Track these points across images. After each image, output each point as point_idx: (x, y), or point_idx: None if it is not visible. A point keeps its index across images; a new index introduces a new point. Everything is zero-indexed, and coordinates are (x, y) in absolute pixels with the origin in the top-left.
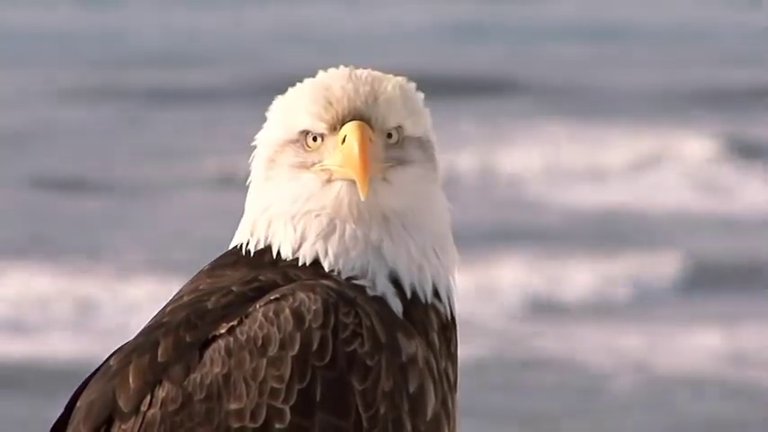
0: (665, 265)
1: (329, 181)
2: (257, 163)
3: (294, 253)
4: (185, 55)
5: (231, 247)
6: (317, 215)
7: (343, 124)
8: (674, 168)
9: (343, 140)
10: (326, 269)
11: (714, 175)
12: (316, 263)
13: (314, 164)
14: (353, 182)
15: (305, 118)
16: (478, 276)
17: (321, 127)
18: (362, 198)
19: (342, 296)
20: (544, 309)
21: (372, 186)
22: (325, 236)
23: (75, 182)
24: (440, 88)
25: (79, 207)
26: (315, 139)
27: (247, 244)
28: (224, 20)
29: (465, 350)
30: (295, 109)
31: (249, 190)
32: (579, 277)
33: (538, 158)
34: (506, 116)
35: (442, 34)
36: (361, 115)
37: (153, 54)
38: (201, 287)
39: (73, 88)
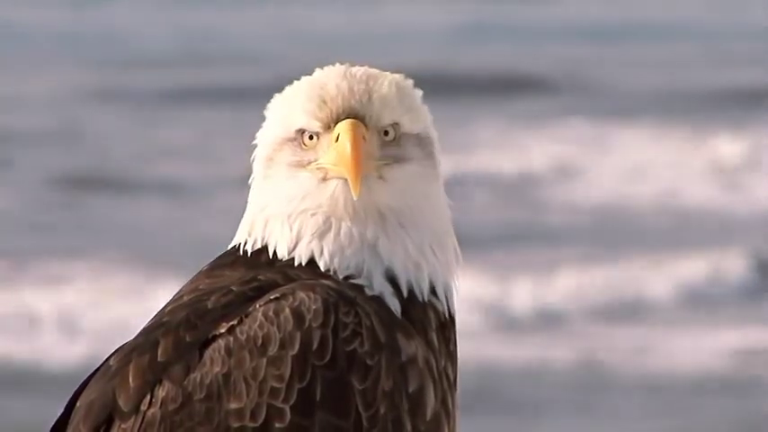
0: (705, 266)
1: (324, 179)
2: (257, 162)
3: (290, 252)
4: (203, 54)
5: (230, 247)
6: (313, 214)
7: (338, 122)
8: (701, 167)
9: (337, 139)
10: (322, 268)
11: (740, 173)
12: (314, 262)
13: (310, 162)
14: (348, 180)
15: (301, 116)
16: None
17: (316, 125)
18: (354, 196)
19: (342, 296)
20: (600, 310)
21: (367, 184)
22: (321, 235)
23: (98, 181)
24: (455, 87)
25: (101, 206)
26: (311, 137)
27: (245, 244)
28: (235, 19)
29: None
30: (291, 107)
31: (251, 189)
32: (627, 277)
33: (556, 157)
34: (525, 115)
35: (455, 34)
36: (355, 113)
37: (169, 53)
38: (201, 287)
39: (90, 88)
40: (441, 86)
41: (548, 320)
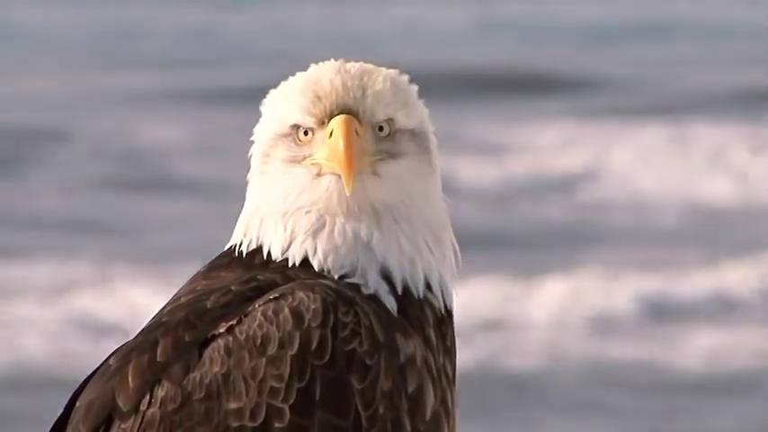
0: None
1: (319, 175)
2: (254, 158)
3: (284, 253)
4: (224, 53)
5: (227, 247)
6: (307, 212)
7: (331, 118)
8: (726, 165)
9: (331, 134)
10: (316, 268)
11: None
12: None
13: (305, 158)
14: (341, 176)
15: (295, 112)
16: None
17: (310, 121)
18: (347, 192)
19: (341, 295)
20: (661, 312)
21: (361, 180)
22: (314, 233)
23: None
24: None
25: (161, 207)
26: (306, 132)
27: (240, 245)
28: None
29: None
30: (286, 103)
31: (248, 186)
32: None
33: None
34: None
35: (474, 30)
36: (349, 109)
37: (187, 53)
38: (198, 288)
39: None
40: (465, 84)
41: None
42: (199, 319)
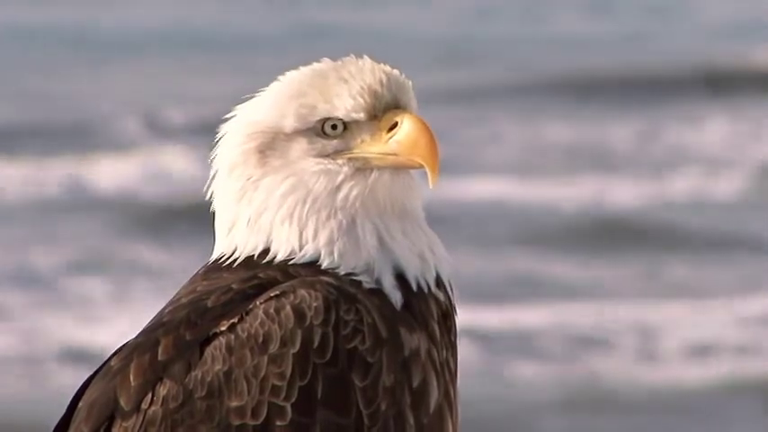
0: None
1: (360, 169)
2: (241, 155)
3: (295, 254)
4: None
5: (231, 250)
6: (323, 210)
7: (385, 112)
8: None
9: (391, 128)
10: (329, 265)
11: None
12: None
13: (337, 152)
14: (391, 171)
15: (337, 105)
16: None
17: (360, 115)
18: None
19: (343, 293)
20: None
21: (404, 179)
22: (329, 233)
23: None
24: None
25: None
26: (334, 126)
27: (247, 247)
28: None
29: None
30: (312, 96)
31: (233, 187)
32: None
33: None
34: None
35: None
36: (401, 104)
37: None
38: (199, 289)
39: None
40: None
41: None
42: (200, 318)
